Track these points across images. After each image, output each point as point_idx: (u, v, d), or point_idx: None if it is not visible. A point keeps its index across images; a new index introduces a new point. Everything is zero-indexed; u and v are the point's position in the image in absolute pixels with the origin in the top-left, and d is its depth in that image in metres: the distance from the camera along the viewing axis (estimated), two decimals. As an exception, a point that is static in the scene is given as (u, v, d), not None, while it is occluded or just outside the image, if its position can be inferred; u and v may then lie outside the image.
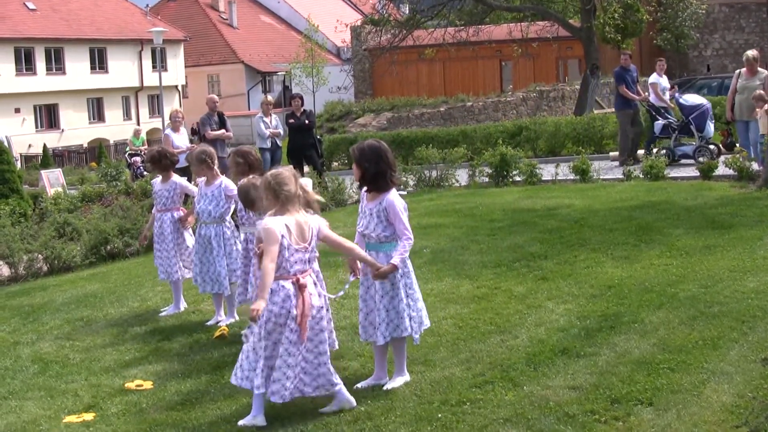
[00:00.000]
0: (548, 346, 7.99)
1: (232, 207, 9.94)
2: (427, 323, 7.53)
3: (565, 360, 7.60)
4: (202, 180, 10.10)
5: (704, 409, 6.34)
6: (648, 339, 7.94)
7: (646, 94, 21.42)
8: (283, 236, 6.70)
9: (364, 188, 7.36)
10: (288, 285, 6.76)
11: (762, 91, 16.84)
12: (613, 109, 23.77)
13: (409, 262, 7.36)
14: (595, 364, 7.43)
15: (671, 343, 7.74)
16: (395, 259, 7.17)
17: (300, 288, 6.77)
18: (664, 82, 21.66)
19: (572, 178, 18.86)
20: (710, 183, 16.68)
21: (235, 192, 9.72)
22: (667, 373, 7.04)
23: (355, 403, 6.95)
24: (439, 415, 6.66)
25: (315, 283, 6.99)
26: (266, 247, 6.68)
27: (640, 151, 21.28)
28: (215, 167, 10.13)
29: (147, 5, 69.49)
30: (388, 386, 7.32)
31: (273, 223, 6.72)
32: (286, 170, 6.98)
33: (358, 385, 7.46)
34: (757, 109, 16.73)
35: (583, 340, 8.08)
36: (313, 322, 6.84)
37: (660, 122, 20.70)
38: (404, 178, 20.01)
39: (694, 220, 12.98)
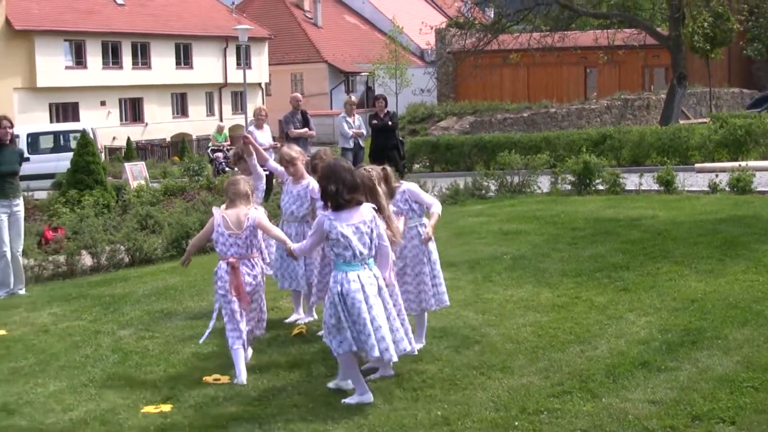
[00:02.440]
0: (628, 358, 7.88)
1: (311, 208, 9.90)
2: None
3: (645, 373, 7.49)
4: (289, 178, 10.07)
5: (789, 431, 6.20)
6: (731, 356, 7.79)
7: None
8: (219, 225, 8.28)
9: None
10: (223, 265, 8.32)
11: None
12: (701, 120, 23.38)
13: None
14: (676, 378, 7.31)
15: (756, 362, 7.58)
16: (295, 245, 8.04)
17: (232, 268, 8.21)
18: None
19: (656, 188, 18.64)
20: (800, 198, 16.37)
21: None
22: (750, 392, 6.89)
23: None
24: (516, 423, 6.60)
25: (253, 266, 8.43)
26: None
27: None
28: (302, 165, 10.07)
29: (233, 2, 70.22)
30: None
31: (215, 212, 8.45)
32: (239, 176, 8.71)
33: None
34: None
35: (664, 353, 7.95)
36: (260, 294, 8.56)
37: None
38: (485, 183, 19.94)
39: (781, 236, 12.73)
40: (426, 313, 8.74)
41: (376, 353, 7.13)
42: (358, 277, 7.21)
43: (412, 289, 8.51)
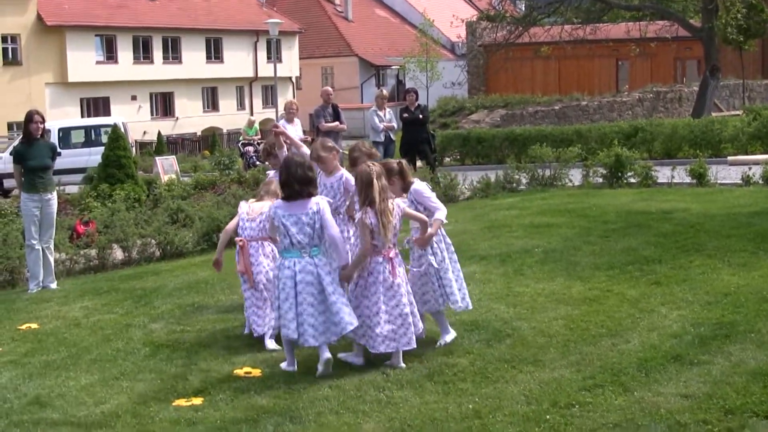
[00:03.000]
0: (660, 351, 7.82)
1: (348, 202, 9.84)
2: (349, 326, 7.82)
3: (677, 367, 7.42)
4: (321, 172, 10.01)
5: (824, 425, 6.13)
6: (765, 350, 7.70)
7: None
8: (243, 212, 9.24)
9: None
10: (237, 245, 9.16)
11: None
12: (734, 112, 23.25)
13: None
14: (708, 372, 7.24)
15: (790, 355, 7.51)
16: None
17: (241, 248, 9.10)
18: None
19: (688, 181, 18.52)
20: (834, 191, 16.21)
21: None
22: (784, 386, 6.82)
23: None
24: (547, 417, 6.56)
25: (260, 247, 9.20)
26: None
27: None
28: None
29: (263, -4, 70.31)
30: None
31: (241, 205, 9.42)
32: (274, 178, 9.36)
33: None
34: None
35: (697, 347, 7.88)
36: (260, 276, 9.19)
37: None
38: (516, 176, 19.90)
39: (816, 229, 12.61)
40: (443, 311, 8.68)
41: (292, 336, 7.81)
42: (294, 264, 7.81)
43: (417, 289, 8.48)
